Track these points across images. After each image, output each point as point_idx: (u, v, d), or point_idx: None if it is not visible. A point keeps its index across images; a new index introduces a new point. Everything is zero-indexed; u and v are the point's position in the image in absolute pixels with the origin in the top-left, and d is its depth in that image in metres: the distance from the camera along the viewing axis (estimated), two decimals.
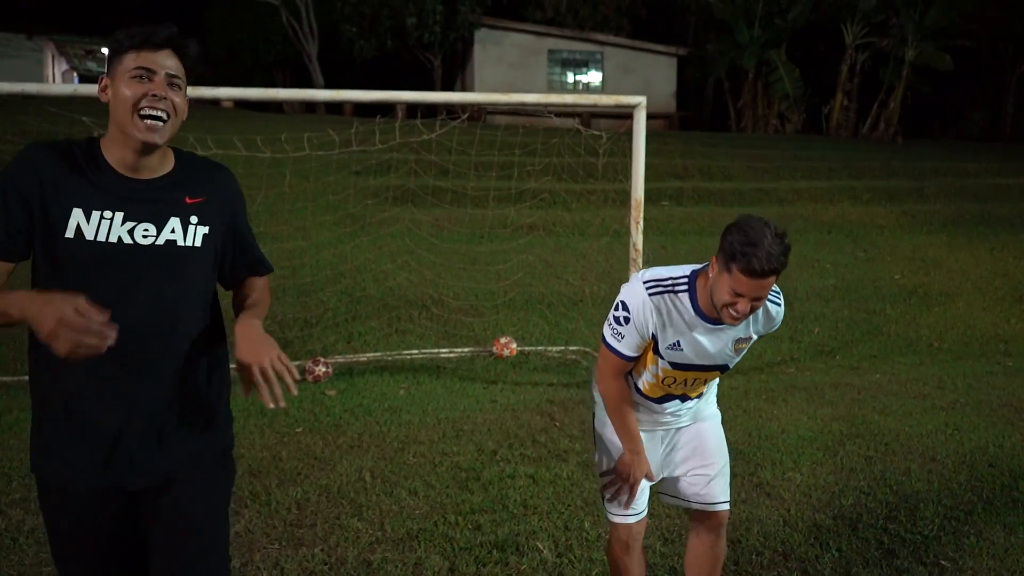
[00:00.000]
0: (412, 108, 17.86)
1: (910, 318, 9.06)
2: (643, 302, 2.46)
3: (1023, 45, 24.92)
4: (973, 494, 4.16)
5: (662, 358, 2.53)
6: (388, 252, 8.58)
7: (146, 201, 1.86)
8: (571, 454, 4.70)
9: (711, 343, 2.49)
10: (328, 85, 22.03)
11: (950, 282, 10.27)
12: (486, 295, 8.24)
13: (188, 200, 1.92)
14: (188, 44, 1.89)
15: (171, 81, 1.84)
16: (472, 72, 23.82)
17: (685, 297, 2.44)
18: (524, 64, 23.63)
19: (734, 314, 2.31)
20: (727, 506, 2.79)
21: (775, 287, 2.47)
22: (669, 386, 2.61)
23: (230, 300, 2.11)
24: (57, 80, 28.39)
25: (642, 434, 2.66)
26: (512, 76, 23.07)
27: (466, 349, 7.11)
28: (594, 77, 24.71)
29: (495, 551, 3.48)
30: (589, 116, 20.17)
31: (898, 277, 10.38)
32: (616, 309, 2.52)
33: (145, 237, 1.84)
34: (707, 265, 2.42)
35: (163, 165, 1.92)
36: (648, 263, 6.37)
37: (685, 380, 2.60)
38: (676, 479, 2.78)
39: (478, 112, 19.29)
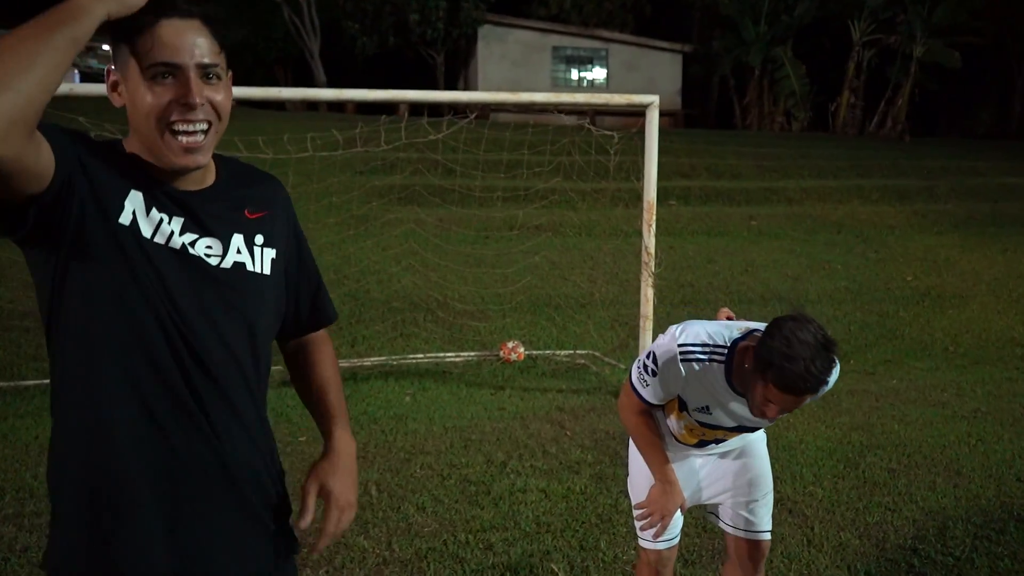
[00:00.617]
0: (416, 106, 17.69)
1: (924, 321, 8.90)
2: (674, 365, 2.31)
3: None
4: (1003, 511, 4.00)
5: (690, 415, 2.41)
6: (393, 254, 8.42)
7: (202, 211, 1.39)
8: (583, 466, 4.55)
9: (744, 411, 2.31)
10: (330, 82, 21.87)
11: (963, 284, 10.10)
12: (492, 298, 8.09)
13: (248, 214, 1.46)
14: (218, 10, 1.36)
15: (207, 72, 1.32)
16: (475, 69, 23.64)
17: (720, 369, 2.27)
18: (528, 61, 23.45)
19: (765, 416, 2.15)
20: (770, 535, 2.64)
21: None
22: (701, 436, 2.49)
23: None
24: None
25: (677, 462, 2.52)
26: (516, 73, 22.89)
27: (472, 353, 6.96)
28: (599, 74, 24.52)
29: (508, 574, 3.33)
30: (594, 114, 19.98)
31: (910, 279, 10.21)
32: (647, 357, 2.38)
33: (209, 256, 1.38)
34: (749, 333, 2.26)
35: (207, 173, 1.43)
36: (658, 266, 6.21)
37: (716, 438, 2.48)
38: (717, 504, 2.65)
39: (483, 110, 19.14)
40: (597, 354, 7.07)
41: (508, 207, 9.22)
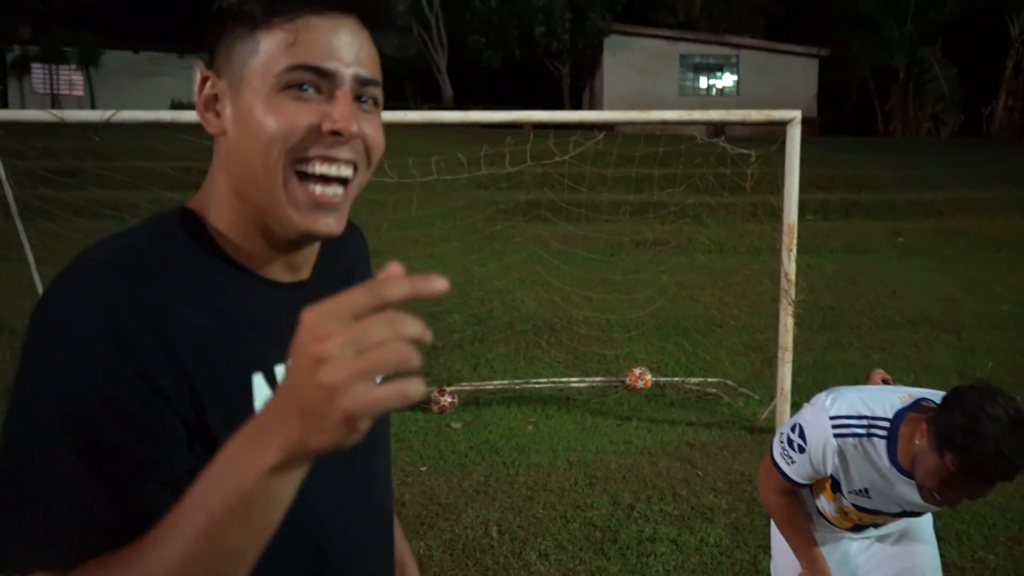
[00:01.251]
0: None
1: None
2: (826, 442, 2.01)
3: None
4: None
5: (844, 498, 2.11)
6: (516, 272, 8.30)
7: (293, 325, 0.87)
8: (717, 513, 4.23)
9: (909, 495, 1.99)
10: (456, 95, 22.18)
11: None
12: (618, 320, 7.82)
13: None
14: (392, 7, 0.89)
15: (364, 93, 0.87)
16: (601, 79, 23.40)
17: (882, 445, 1.96)
18: (654, 70, 23.01)
19: (943, 505, 1.89)
20: None
21: None
22: (856, 521, 2.19)
23: None
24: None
25: (827, 546, 2.22)
26: (642, 82, 22.51)
27: (597, 379, 6.71)
28: (728, 81, 23.78)
29: None
30: (723, 123, 19.36)
31: None
32: (793, 431, 2.07)
33: None
34: (916, 403, 1.94)
35: (312, 248, 0.97)
36: (800, 293, 5.78)
37: (875, 522, 2.18)
38: None
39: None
40: (730, 383, 6.68)
41: (635, 224, 8.93)
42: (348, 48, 0.84)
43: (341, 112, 0.83)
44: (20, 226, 5.86)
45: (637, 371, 6.58)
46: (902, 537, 2.27)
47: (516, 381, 6.65)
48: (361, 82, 0.86)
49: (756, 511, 4.18)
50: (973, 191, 14.41)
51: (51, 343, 0.76)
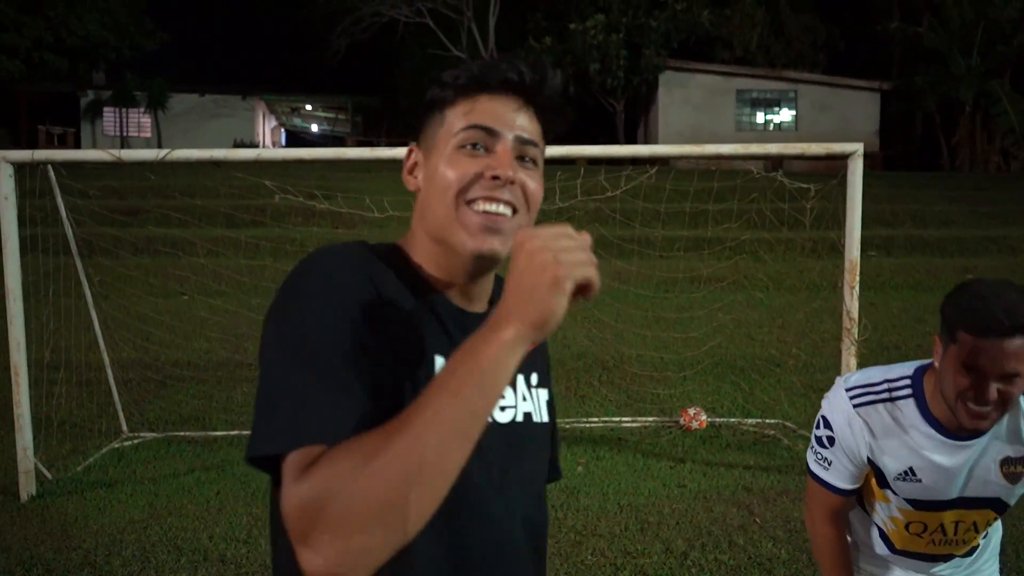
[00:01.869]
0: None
1: None
2: (849, 417, 1.83)
3: None
4: None
5: (895, 493, 1.87)
6: (568, 310, 8.17)
7: None
8: (776, 564, 4.01)
9: (961, 466, 1.79)
10: None
11: None
12: (672, 359, 7.62)
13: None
14: (553, 88, 1.12)
15: (523, 153, 1.09)
16: (656, 115, 23.33)
17: (909, 404, 1.79)
18: (710, 105, 22.84)
19: (977, 408, 1.64)
20: None
21: None
22: (920, 535, 1.91)
23: None
24: (267, 135, 30.82)
25: None
26: (698, 118, 22.35)
27: (650, 419, 6.52)
28: (786, 116, 23.46)
29: None
30: (780, 158, 19.05)
31: None
32: (817, 427, 1.90)
33: (504, 409, 1.15)
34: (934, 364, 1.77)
35: (487, 290, 1.17)
36: (863, 331, 5.54)
37: (941, 525, 1.88)
38: None
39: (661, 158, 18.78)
40: (789, 424, 6.42)
41: (689, 260, 8.75)
42: (510, 116, 1.09)
43: (500, 161, 1.06)
44: (79, 263, 5.99)
45: (692, 411, 6.38)
46: None
47: (567, 420, 6.51)
48: (521, 142, 1.09)
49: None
50: None
51: (318, 283, 1.00)
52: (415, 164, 1.15)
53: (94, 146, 25.55)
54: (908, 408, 1.79)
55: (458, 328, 1.08)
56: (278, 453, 0.91)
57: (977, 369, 1.61)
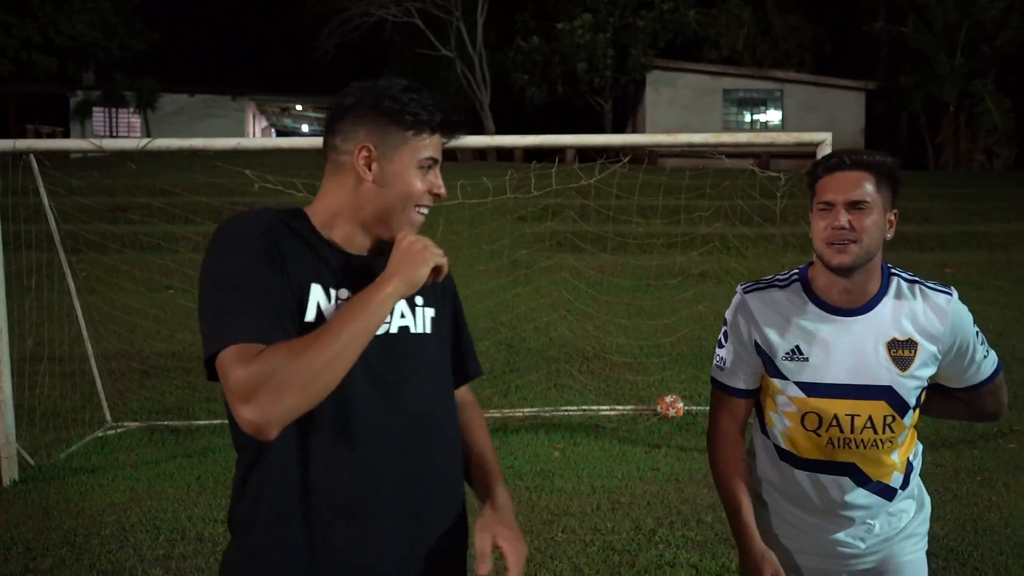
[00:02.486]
0: (583, 152, 17.75)
1: None
2: (738, 304, 1.97)
3: None
4: None
5: (786, 378, 1.89)
6: (549, 301, 8.28)
7: (370, 279, 1.47)
8: None
9: (847, 344, 1.85)
10: (499, 132, 22.40)
11: None
12: (651, 349, 7.72)
13: None
14: (460, 129, 1.61)
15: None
16: (643, 115, 23.46)
17: (795, 286, 1.93)
18: (698, 105, 22.98)
19: (836, 241, 1.79)
20: None
21: (946, 287, 1.92)
22: (817, 431, 1.87)
23: None
24: (257, 135, 30.84)
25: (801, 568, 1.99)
26: (685, 118, 22.48)
27: (628, 407, 6.62)
28: (773, 116, 23.62)
29: None
30: (768, 157, 19.20)
31: None
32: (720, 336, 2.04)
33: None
34: None
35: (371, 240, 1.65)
36: None
37: (836, 417, 1.85)
38: None
39: (650, 155, 18.88)
40: None
41: (669, 254, 8.86)
42: (440, 149, 1.57)
43: (439, 183, 1.57)
44: (63, 256, 6.05)
45: (669, 399, 6.48)
46: (882, 566, 1.98)
47: (545, 408, 6.60)
48: (440, 164, 1.58)
49: None
50: None
51: (232, 238, 1.42)
52: (369, 159, 1.51)
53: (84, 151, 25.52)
54: (793, 290, 1.93)
55: (338, 263, 1.52)
56: (215, 354, 1.32)
57: (828, 203, 1.82)
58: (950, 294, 1.90)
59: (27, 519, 4.43)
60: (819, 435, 1.89)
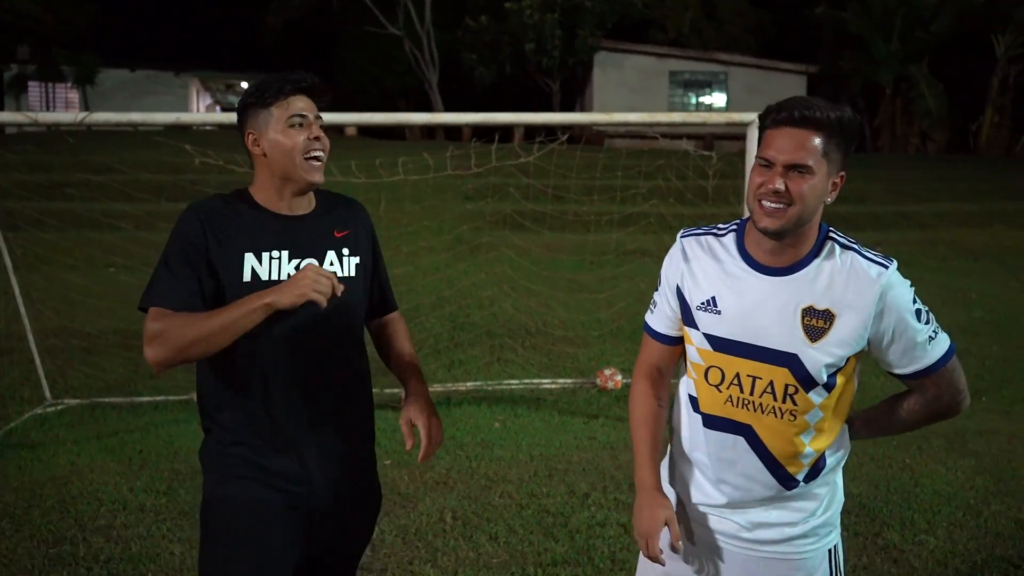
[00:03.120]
0: (529, 132, 17.85)
1: None
2: (673, 248, 1.93)
3: None
4: None
5: (697, 328, 1.85)
6: (494, 277, 8.41)
7: (303, 237, 1.97)
8: None
9: (763, 304, 1.77)
10: (448, 111, 22.37)
11: None
12: (592, 324, 7.92)
13: (337, 233, 2.05)
14: (323, 88, 2.01)
15: (319, 123, 1.98)
16: (591, 96, 23.64)
17: (730, 238, 1.86)
18: (645, 87, 23.24)
19: (768, 202, 1.69)
20: None
21: (885, 259, 1.77)
22: (718, 387, 1.84)
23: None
24: (202, 112, 30.23)
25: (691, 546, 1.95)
26: (632, 99, 22.71)
27: (568, 380, 6.80)
28: (718, 99, 24.00)
29: None
30: (712, 138, 19.53)
31: None
32: None
33: None
34: None
35: (310, 202, 2.04)
36: None
37: (738, 375, 1.80)
38: None
39: (597, 137, 19.06)
40: None
41: (608, 231, 9.05)
42: (307, 105, 1.96)
43: (315, 131, 1.96)
44: None
45: (608, 372, 6.66)
46: (782, 558, 1.89)
47: (488, 382, 6.74)
48: (316, 117, 1.98)
49: None
50: (959, 204, 14.56)
51: (179, 224, 1.91)
52: (255, 140, 1.95)
53: (18, 124, 24.73)
54: (728, 240, 1.86)
55: (273, 225, 1.96)
56: (143, 308, 1.87)
57: (768, 159, 1.70)
58: (885, 266, 1.75)
59: None
60: (720, 391, 1.84)
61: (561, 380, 6.82)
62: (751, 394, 1.80)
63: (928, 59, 22.49)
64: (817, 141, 1.69)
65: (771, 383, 1.78)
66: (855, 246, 1.79)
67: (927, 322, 1.78)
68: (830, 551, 1.92)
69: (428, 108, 23.90)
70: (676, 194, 8.65)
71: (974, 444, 5.34)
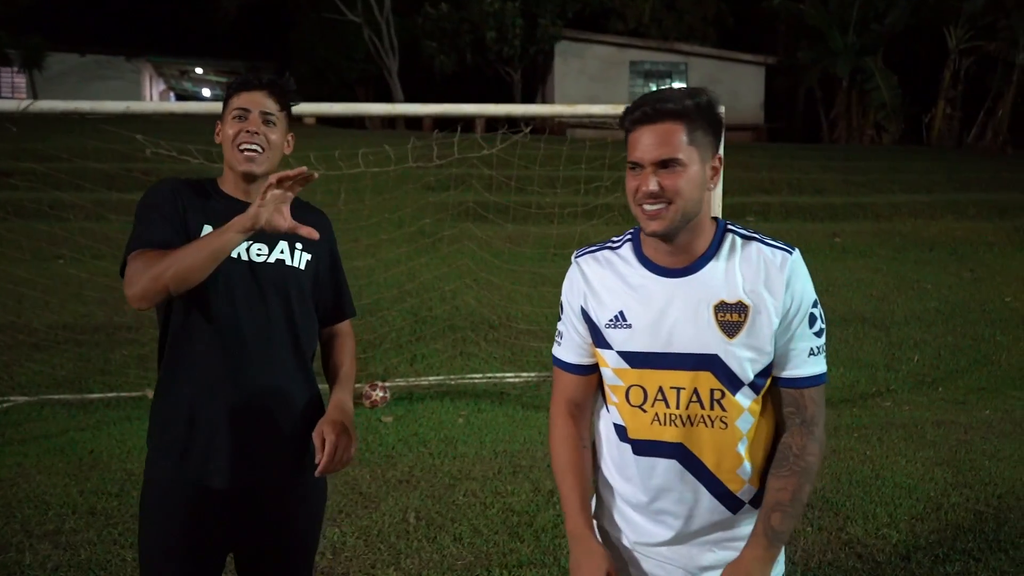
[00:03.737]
0: (490, 123, 17.71)
1: None
2: (570, 271, 1.85)
3: None
4: None
5: (610, 348, 1.75)
6: (456, 270, 8.31)
7: None
8: None
9: (671, 308, 1.69)
10: (408, 100, 22.13)
11: None
12: (555, 317, 7.84)
13: None
14: (282, 85, 2.11)
15: (266, 119, 2.06)
16: (552, 85, 23.56)
17: (626, 248, 1.79)
18: (605, 76, 23.23)
19: (647, 205, 1.63)
20: None
21: (788, 246, 1.72)
22: (642, 407, 1.72)
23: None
24: (155, 99, 29.52)
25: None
26: (593, 89, 22.70)
27: (532, 374, 6.76)
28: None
29: None
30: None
31: (1009, 300, 9.51)
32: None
33: (258, 255, 2.06)
34: None
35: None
36: None
37: (661, 390, 1.70)
38: None
39: (558, 127, 18.99)
40: None
41: (572, 223, 9.00)
42: (255, 100, 2.09)
43: (250, 124, 2.06)
44: None
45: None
46: None
47: (451, 377, 6.67)
48: (264, 114, 2.08)
49: None
50: (912, 195, 14.77)
51: (153, 191, 2.07)
52: (218, 131, 2.11)
53: None
54: (624, 251, 1.79)
55: (231, 208, 2.02)
56: (125, 257, 1.97)
57: (636, 162, 1.64)
58: (790, 252, 1.70)
59: None
60: (645, 411, 1.73)
61: (524, 374, 6.78)
62: (677, 407, 1.70)
63: (882, 51, 22.81)
64: (680, 132, 1.62)
65: (695, 391, 1.69)
66: (757, 236, 1.74)
67: (819, 332, 1.73)
68: None
69: (388, 97, 23.61)
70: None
71: (932, 435, 5.41)
